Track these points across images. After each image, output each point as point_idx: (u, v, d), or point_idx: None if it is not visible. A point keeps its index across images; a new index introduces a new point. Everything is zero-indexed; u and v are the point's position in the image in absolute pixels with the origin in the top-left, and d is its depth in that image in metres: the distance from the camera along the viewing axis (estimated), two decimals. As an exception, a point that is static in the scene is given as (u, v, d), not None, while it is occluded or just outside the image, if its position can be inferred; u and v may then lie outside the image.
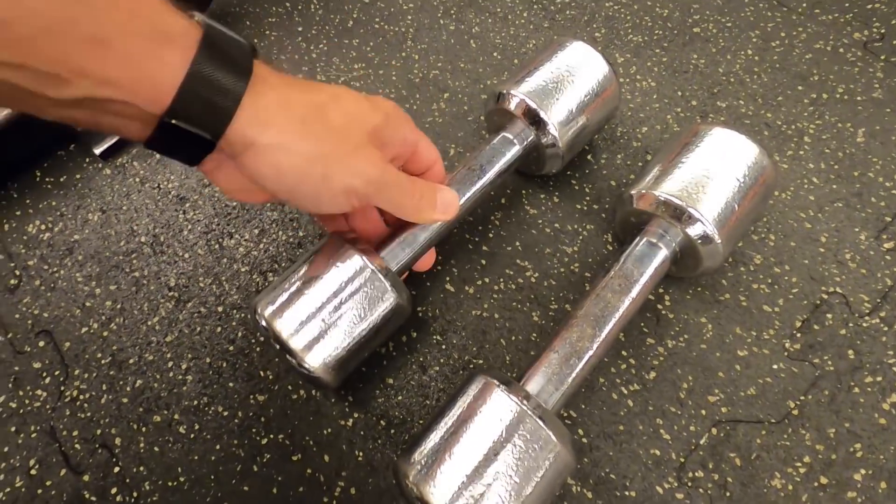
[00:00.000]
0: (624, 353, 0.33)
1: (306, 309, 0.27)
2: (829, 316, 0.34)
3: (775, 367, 0.32)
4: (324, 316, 0.27)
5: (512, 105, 0.34)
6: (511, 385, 0.26)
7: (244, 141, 0.22)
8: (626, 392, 0.32)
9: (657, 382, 0.32)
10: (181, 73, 0.20)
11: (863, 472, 0.29)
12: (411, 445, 0.25)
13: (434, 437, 0.25)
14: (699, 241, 0.30)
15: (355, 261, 0.28)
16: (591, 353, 0.28)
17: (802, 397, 0.31)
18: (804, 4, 0.47)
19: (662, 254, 0.31)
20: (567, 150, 0.35)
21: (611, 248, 0.36)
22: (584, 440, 0.31)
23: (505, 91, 0.35)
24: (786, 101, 0.42)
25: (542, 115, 0.33)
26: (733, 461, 0.30)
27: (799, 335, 0.33)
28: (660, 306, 0.34)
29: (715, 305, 0.34)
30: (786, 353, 0.33)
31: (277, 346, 0.27)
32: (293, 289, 0.28)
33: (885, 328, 0.33)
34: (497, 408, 0.24)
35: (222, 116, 0.21)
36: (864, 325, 0.33)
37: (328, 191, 0.24)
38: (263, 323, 0.27)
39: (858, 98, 0.41)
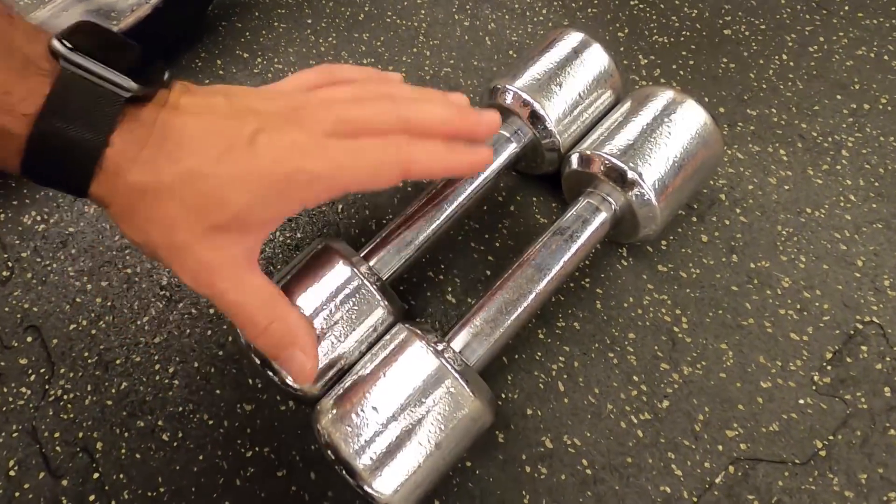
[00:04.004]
0: (635, 378, 0.31)
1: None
2: (863, 348, 0.31)
3: (802, 401, 0.30)
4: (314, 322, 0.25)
5: (507, 100, 0.32)
6: (432, 337, 0.25)
7: (103, 202, 0.20)
8: (635, 421, 0.29)
9: (670, 412, 0.30)
10: (25, 129, 0.18)
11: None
12: (328, 390, 0.25)
13: (349, 384, 0.24)
14: (638, 205, 0.29)
15: (343, 271, 0.26)
16: (517, 312, 0.27)
17: (831, 437, 0.29)
18: (846, 7, 0.43)
19: (601, 216, 0.30)
20: (567, 147, 0.33)
21: (626, 265, 0.34)
22: (588, 472, 0.28)
23: (500, 86, 0.33)
24: (823, 110, 0.39)
25: (539, 110, 0.31)
26: (751, 504, 0.27)
27: (829, 368, 0.31)
28: (676, 329, 0.32)
29: (737, 331, 0.32)
30: (814, 387, 0.30)
31: (258, 362, 0.25)
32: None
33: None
34: (417, 361, 0.24)
35: (79, 178, 0.19)
36: (903, 359, 0.30)
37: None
38: (244, 339, 0.25)
39: (904, 110, 0.38)
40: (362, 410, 0.23)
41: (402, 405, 0.23)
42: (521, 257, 0.29)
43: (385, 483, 0.22)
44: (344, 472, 0.23)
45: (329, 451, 0.23)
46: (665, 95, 0.31)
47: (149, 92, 0.20)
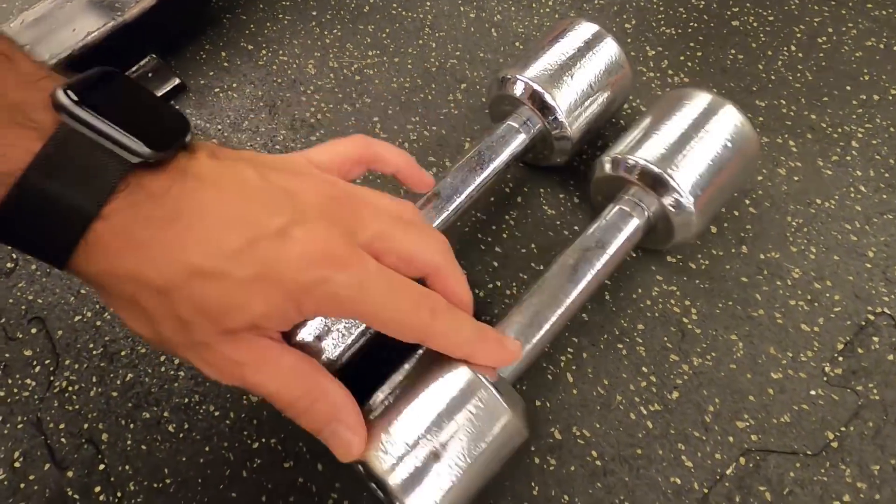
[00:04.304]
0: (644, 369, 0.30)
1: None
2: (875, 339, 0.31)
3: (813, 392, 0.29)
4: (311, 328, 0.25)
5: (517, 90, 0.32)
6: None
7: (92, 283, 0.18)
8: (645, 413, 0.29)
9: (680, 404, 0.29)
10: (2, 188, 0.15)
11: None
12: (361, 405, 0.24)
13: (380, 398, 0.23)
14: (673, 211, 0.29)
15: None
16: (549, 324, 0.26)
17: (843, 428, 0.28)
18: (855, -2, 0.43)
19: (634, 222, 0.29)
20: (577, 139, 0.33)
21: (634, 256, 0.34)
22: (598, 463, 0.28)
23: (509, 75, 0.32)
24: (832, 101, 0.38)
25: (549, 100, 0.31)
26: (763, 495, 0.27)
27: (840, 359, 0.30)
28: (685, 320, 0.32)
29: (747, 322, 0.31)
30: (825, 379, 0.30)
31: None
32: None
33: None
34: (451, 374, 0.23)
35: (58, 249, 0.16)
36: (914, 350, 0.30)
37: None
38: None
39: (914, 101, 0.38)
40: (392, 425, 0.22)
41: (434, 419, 0.22)
42: (552, 265, 0.28)
43: (418, 502, 0.21)
44: (375, 488, 0.22)
45: (360, 466, 0.22)
46: (700, 98, 0.30)
47: (163, 157, 0.17)
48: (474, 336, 0.22)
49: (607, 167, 0.30)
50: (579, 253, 0.28)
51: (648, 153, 0.29)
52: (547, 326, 0.26)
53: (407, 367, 0.24)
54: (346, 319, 0.25)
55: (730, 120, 0.30)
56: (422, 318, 0.20)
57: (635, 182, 0.29)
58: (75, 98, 0.16)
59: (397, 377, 0.24)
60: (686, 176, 0.28)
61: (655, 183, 0.28)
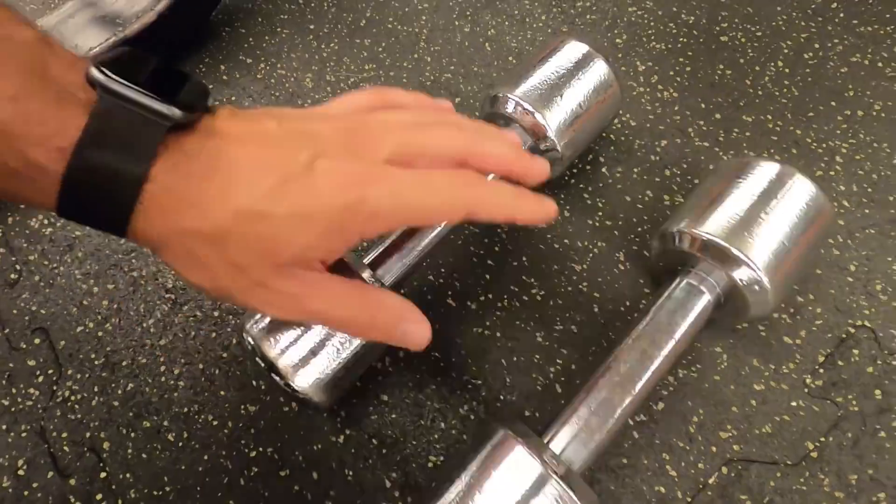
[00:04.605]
0: (631, 380, 0.31)
1: (295, 328, 0.26)
2: (855, 352, 0.32)
3: (794, 404, 0.30)
4: (312, 334, 0.26)
5: (508, 108, 0.33)
6: (532, 440, 0.24)
7: (152, 245, 0.19)
8: (631, 423, 0.30)
9: (665, 414, 0.30)
10: (59, 163, 0.16)
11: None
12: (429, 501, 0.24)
13: (449, 497, 0.23)
14: (746, 288, 0.27)
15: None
16: (621, 409, 0.25)
17: (823, 439, 0.29)
18: (841, 14, 0.44)
19: (705, 299, 0.28)
20: (567, 155, 0.33)
21: (622, 269, 0.35)
22: (584, 472, 0.29)
23: (501, 94, 0.33)
24: (817, 117, 0.39)
25: (540, 119, 0.32)
26: (744, 504, 0.28)
27: (821, 371, 0.31)
28: (672, 332, 0.32)
29: (731, 334, 0.32)
30: (806, 390, 0.31)
31: (263, 365, 0.26)
32: None
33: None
34: (518, 467, 0.23)
35: (118, 214, 0.18)
36: (894, 362, 0.31)
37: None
38: (250, 341, 0.26)
39: (897, 116, 0.39)
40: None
41: None
42: (620, 345, 0.27)
43: None
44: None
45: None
46: (766, 168, 0.29)
47: (192, 119, 0.18)
48: (513, 196, 0.22)
49: (669, 240, 0.29)
50: (649, 336, 0.27)
51: (714, 225, 0.27)
52: (618, 414, 0.25)
53: (473, 467, 0.24)
54: (339, 333, 0.26)
55: (801, 190, 0.28)
56: (461, 195, 0.20)
57: (702, 257, 0.28)
58: (108, 73, 0.17)
59: (465, 471, 0.24)
60: (758, 249, 0.26)
61: (725, 258, 0.27)
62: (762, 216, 0.27)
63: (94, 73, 0.17)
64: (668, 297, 0.28)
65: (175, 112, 0.17)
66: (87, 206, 0.18)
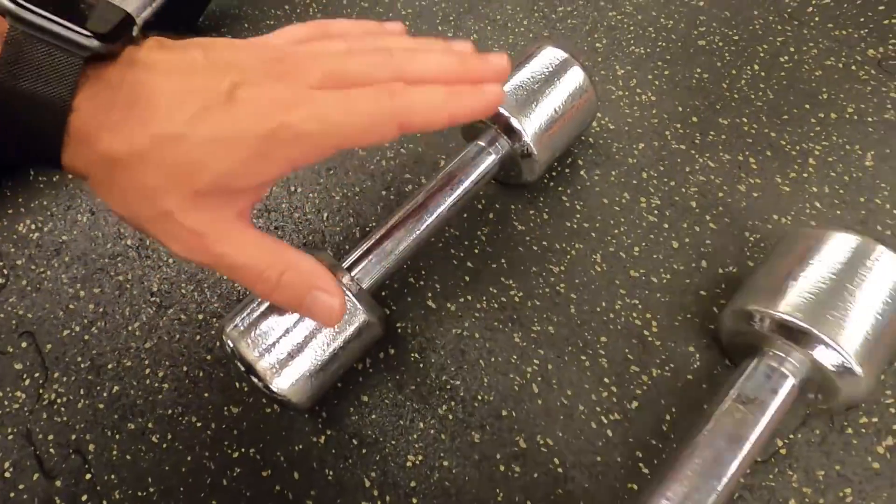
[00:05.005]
0: (606, 380, 0.32)
1: (274, 331, 0.26)
2: (824, 350, 0.32)
3: (764, 401, 0.31)
4: (292, 339, 0.26)
5: None
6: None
7: (80, 174, 0.19)
8: (605, 422, 0.31)
9: (639, 413, 0.31)
10: None
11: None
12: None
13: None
14: (834, 372, 0.26)
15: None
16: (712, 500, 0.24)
17: (791, 436, 0.30)
18: (816, 18, 0.45)
19: (789, 383, 0.26)
20: (543, 159, 0.34)
21: (599, 270, 0.35)
22: (560, 470, 0.30)
23: None
24: (791, 119, 0.40)
25: (515, 123, 0.33)
26: (714, 500, 0.29)
27: (791, 369, 0.32)
28: (646, 332, 0.33)
29: (705, 334, 0.33)
30: (776, 388, 0.31)
31: (243, 368, 0.27)
32: (260, 310, 0.27)
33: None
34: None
35: (50, 145, 0.18)
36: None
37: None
38: (230, 344, 0.27)
39: (869, 119, 0.39)
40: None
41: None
42: (699, 428, 0.26)
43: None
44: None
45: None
46: (844, 240, 0.27)
47: (114, 49, 0.18)
48: (445, 94, 0.21)
49: (743, 320, 0.28)
50: (731, 416, 0.26)
51: (794, 305, 0.26)
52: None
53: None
54: (319, 336, 0.27)
55: (889, 265, 0.26)
56: (388, 106, 0.20)
57: (780, 338, 0.26)
58: (21, 2, 0.17)
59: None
60: (847, 332, 0.25)
61: (807, 340, 0.26)
62: (846, 293, 0.26)
63: (5, 1, 0.17)
64: (746, 380, 0.27)
65: (93, 42, 0.17)
66: (16, 138, 0.18)
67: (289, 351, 0.27)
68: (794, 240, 0.30)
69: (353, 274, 0.30)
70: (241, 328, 0.27)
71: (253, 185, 0.20)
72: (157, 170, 0.19)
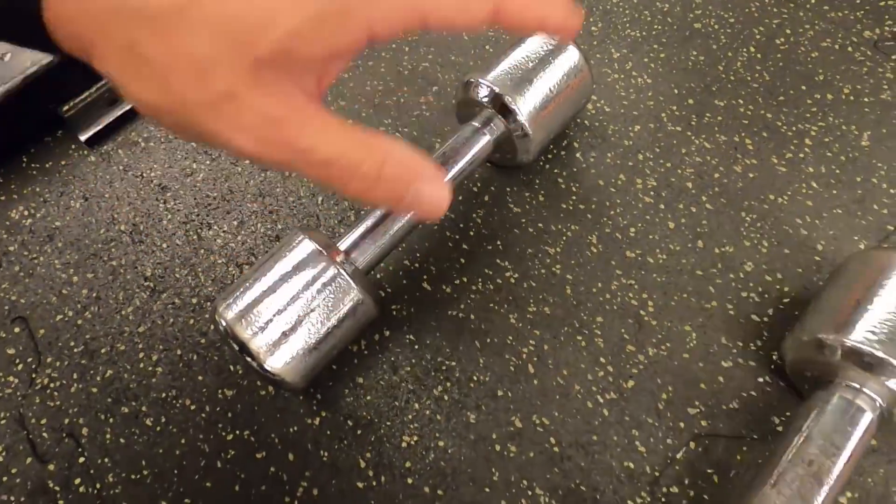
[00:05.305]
0: (602, 360, 0.32)
1: (268, 310, 0.26)
2: (821, 328, 0.32)
3: (761, 380, 0.31)
4: (286, 317, 0.26)
5: (480, 94, 0.33)
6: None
7: (80, 41, 0.14)
8: (601, 401, 0.31)
9: (635, 392, 0.31)
10: None
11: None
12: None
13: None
14: None
15: (319, 260, 0.27)
16: None
17: (788, 413, 0.30)
18: (812, 1, 0.45)
19: (866, 418, 0.25)
20: (538, 140, 0.34)
21: (595, 252, 0.35)
22: (556, 449, 0.29)
23: (472, 79, 0.34)
24: (787, 101, 0.40)
25: (510, 103, 0.32)
26: (710, 477, 0.28)
27: (788, 347, 0.32)
28: (642, 312, 0.33)
29: (700, 313, 0.33)
30: (772, 367, 0.31)
31: (237, 348, 0.26)
32: (254, 289, 0.27)
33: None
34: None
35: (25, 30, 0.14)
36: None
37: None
38: (223, 323, 0.26)
39: (865, 99, 0.39)
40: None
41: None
42: (779, 461, 0.25)
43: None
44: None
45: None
46: None
47: None
48: None
49: (811, 349, 0.27)
50: (810, 448, 0.25)
51: (863, 333, 0.25)
52: None
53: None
54: (313, 314, 0.27)
55: None
56: None
57: (853, 367, 0.25)
58: None
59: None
60: None
61: (885, 370, 0.24)
62: None
63: None
64: (821, 415, 0.25)
65: None
66: None
67: (283, 330, 0.26)
68: (862, 262, 0.28)
69: (347, 254, 0.29)
70: (235, 307, 0.27)
71: (323, 53, 0.15)
72: (204, 29, 0.13)
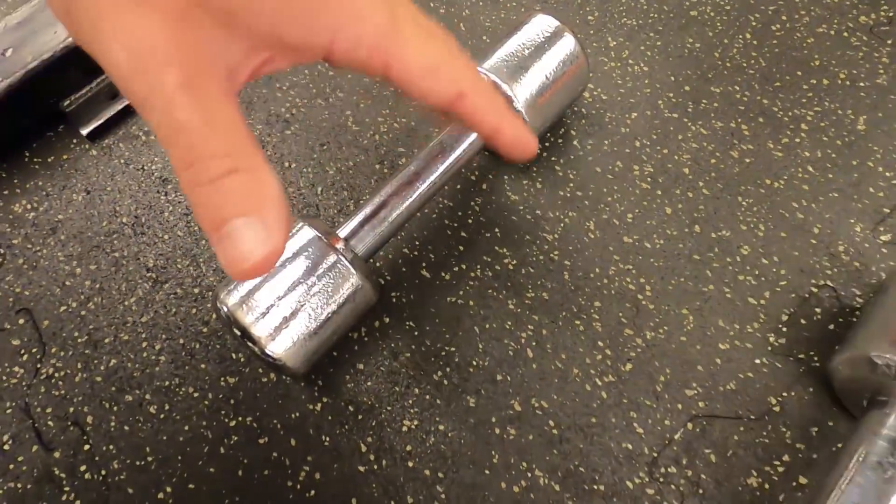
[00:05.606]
0: (600, 343, 0.32)
1: (268, 297, 0.27)
2: (817, 310, 0.32)
3: (758, 361, 0.31)
4: (287, 303, 0.27)
5: None
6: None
7: None
8: (600, 384, 0.31)
9: (633, 374, 0.31)
10: None
11: None
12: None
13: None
14: None
15: (319, 247, 0.28)
16: None
17: (785, 394, 0.30)
18: (809, -13, 0.45)
19: None
20: (535, 127, 0.34)
21: (593, 237, 0.35)
22: (555, 432, 0.30)
23: None
24: (784, 86, 0.40)
25: (507, 90, 0.33)
26: (708, 457, 0.29)
27: (784, 329, 0.32)
28: (640, 296, 0.33)
29: (697, 297, 0.33)
30: (769, 348, 0.31)
31: (238, 334, 0.27)
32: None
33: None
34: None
35: None
36: (855, 320, 0.32)
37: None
38: (224, 310, 0.27)
39: (861, 84, 0.39)
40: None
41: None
42: (842, 479, 0.24)
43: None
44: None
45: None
46: None
47: None
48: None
49: (864, 367, 0.26)
50: (860, 478, 0.24)
51: None
52: None
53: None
54: (313, 299, 0.27)
55: None
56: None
57: None
58: None
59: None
60: None
61: None
62: None
63: None
64: (875, 435, 0.25)
65: None
66: None
67: (283, 315, 0.27)
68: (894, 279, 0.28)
69: (347, 241, 0.30)
70: (236, 294, 0.27)
71: (262, 30, 0.13)
72: None
